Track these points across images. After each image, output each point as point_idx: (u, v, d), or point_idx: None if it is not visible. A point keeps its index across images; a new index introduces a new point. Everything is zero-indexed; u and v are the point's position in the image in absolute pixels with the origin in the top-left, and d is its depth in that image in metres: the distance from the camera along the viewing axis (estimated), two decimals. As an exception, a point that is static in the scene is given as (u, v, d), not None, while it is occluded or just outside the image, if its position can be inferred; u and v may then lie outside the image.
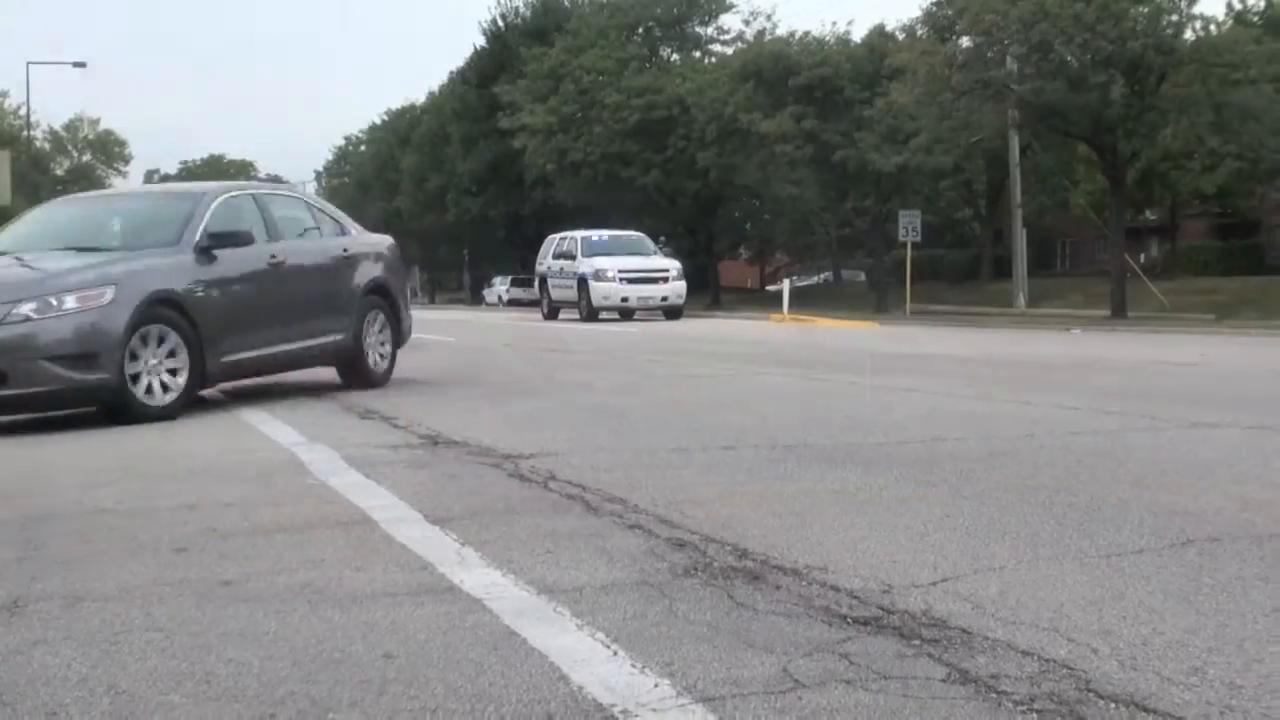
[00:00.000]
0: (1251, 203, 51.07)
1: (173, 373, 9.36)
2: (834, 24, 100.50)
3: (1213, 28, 31.27)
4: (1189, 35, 30.03)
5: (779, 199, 47.12)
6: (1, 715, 3.03)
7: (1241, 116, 28.59)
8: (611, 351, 17.08)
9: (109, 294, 8.97)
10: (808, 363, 14.35)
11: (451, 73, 69.04)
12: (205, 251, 9.83)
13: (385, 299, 12.05)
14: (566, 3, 61.42)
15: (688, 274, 33.74)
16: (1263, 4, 44.53)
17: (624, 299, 30.71)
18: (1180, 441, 7.09)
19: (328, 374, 11.80)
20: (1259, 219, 52.32)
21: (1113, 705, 2.90)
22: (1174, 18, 29.72)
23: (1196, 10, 30.24)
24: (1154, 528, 4.73)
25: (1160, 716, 2.83)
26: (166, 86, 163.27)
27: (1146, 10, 29.42)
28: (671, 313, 31.24)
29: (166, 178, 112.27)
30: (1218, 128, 29.55)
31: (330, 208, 12.90)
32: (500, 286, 66.11)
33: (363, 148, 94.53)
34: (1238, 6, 44.60)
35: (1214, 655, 3.23)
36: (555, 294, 33.41)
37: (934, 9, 32.99)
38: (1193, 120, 28.95)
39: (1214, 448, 6.82)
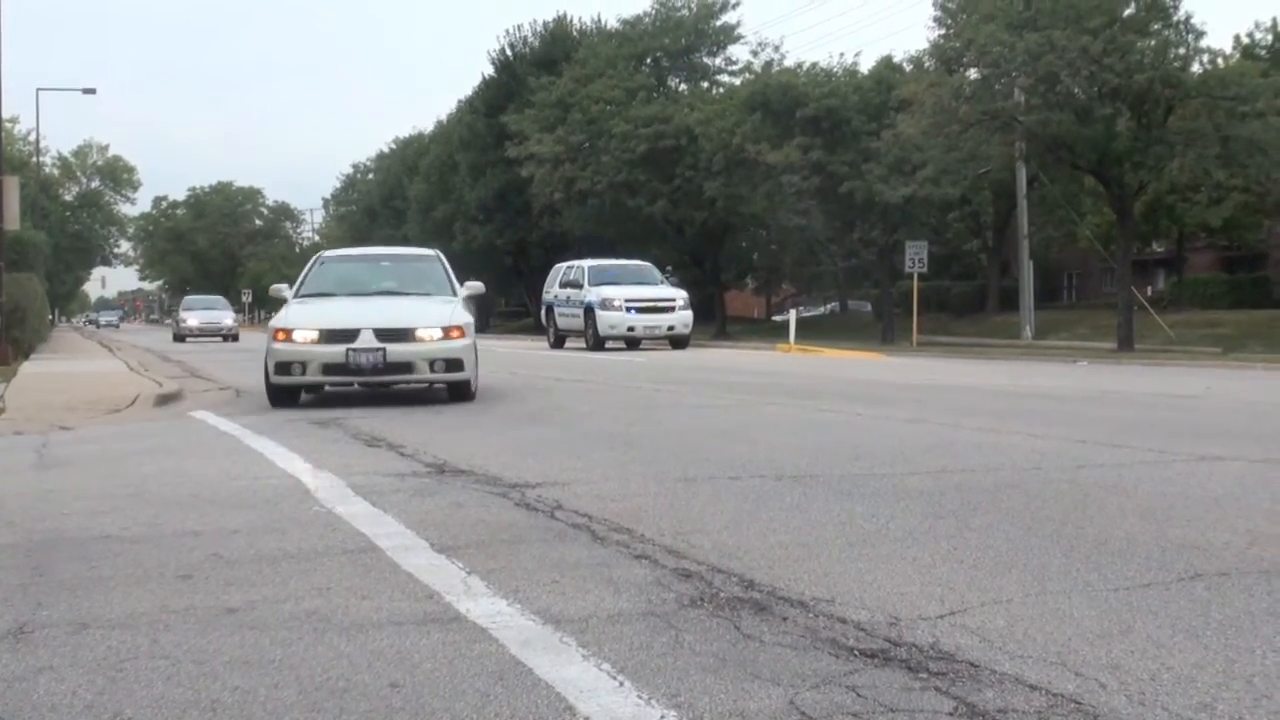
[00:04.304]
0: (1258, 236, 51.10)
1: None
2: (841, 55, 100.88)
3: (1220, 61, 31.33)
4: (1196, 68, 30.09)
5: (786, 229, 47.19)
6: (6, 742, 3.03)
7: (1249, 149, 28.60)
8: (618, 381, 17.08)
9: None
10: (814, 393, 14.34)
11: (460, 102, 69.44)
12: None
13: None
14: (575, 33, 61.69)
15: (694, 303, 33.75)
16: (1270, 38, 44.66)
17: (630, 328, 30.70)
18: (1187, 475, 7.07)
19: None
20: (1266, 252, 52.29)
21: (1121, 740, 2.89)
22: (1181, 51, 29.81)
23: (1204, 44, 30.36)
24: (1162, 562, 4.71)
25: (1169, 752, 2.82)
26: (175, 114, 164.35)
27: (1153, 43, 29.50)
28: (678, 342, 31.22)
29: (174, 204, 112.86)
30: (1225, 161, 29.55)
31: None
32: None
33: (370, 176, 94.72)
34: (1245, 40, 44.75)
35: (1223, 691, 3.22)
36: (562, 323, 33.42)
37: (941, 41, 33.13)
38: (1200, 153, 28.95)
39: (1221, 481, 6.80)
